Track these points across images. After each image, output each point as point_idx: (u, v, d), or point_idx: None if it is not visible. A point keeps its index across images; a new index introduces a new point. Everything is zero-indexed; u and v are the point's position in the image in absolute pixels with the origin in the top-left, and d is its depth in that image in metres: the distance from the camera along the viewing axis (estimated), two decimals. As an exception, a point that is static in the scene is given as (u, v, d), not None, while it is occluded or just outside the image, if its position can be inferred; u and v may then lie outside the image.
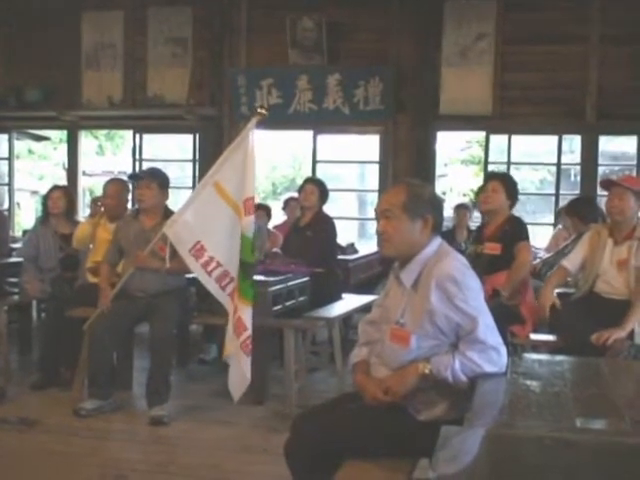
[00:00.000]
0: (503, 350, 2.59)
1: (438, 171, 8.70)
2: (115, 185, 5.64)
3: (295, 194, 6.50)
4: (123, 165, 12.69)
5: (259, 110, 4.62)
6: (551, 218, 8.41)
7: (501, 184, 4.82)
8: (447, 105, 7.88)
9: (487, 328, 2.59)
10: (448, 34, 7.88)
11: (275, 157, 14.50)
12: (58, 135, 11.84)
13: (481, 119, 7.90)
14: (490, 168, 8.18)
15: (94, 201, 5.63)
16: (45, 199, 6.10)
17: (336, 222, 6.19)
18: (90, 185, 12.15)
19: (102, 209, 5.65)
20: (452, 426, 2.01)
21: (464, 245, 6.37)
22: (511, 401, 2.12)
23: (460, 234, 7.25)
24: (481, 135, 9.45)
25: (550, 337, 4.47)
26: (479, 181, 9.26)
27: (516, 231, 4.72)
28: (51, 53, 8.73)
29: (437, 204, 2.80)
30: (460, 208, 7.51)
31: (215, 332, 5.86)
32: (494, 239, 4.73)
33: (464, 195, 12.81)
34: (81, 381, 4.99)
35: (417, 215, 2.70)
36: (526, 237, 4.75)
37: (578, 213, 5.69)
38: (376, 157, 8.39)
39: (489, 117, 7.84)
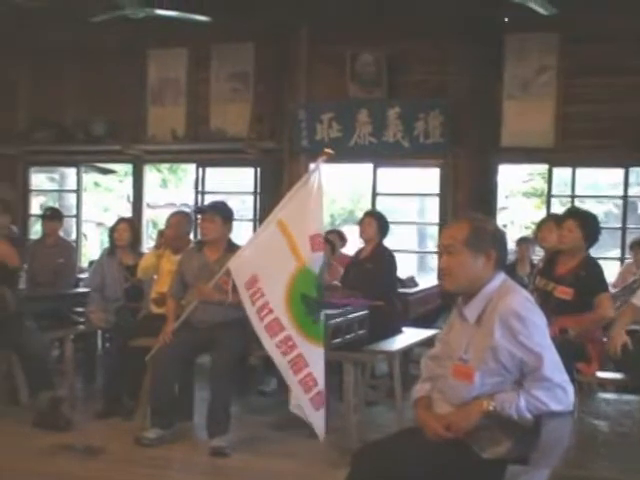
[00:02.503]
0: (570, 388, 2.55)
1: (499, 204, 8.62)
2: (177, 217, 5.74)
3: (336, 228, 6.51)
4: (185, 197, 12.91)
5: (326, 150, 4.68)
6: (617, 252, 8.23)
7: (578, 223, 4.62)
8: (508, 138, 7.83)
9: (553, 365, 2.55)
10: (509, 66, 7.86)
11: (334, 190, 14.58)
12: (123, 168, 12.11)
13: (543, 152, 7.82)
14: (553, 201, 8.09)
15: (160, 233, 5.75)
16: (111, 231, 6.26)
17: (396, 255, 6.18)
18: (154, 217, 12.39)
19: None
20: (518, 466, 1.98)
21: (526, 279, 6.28)
22: (578, 441, 2.09)
23: (522, 268, 7.15)
24: (542, 167, 9.35)
25: (617, 375, 4.36)
26: (541, 214, 9.15)
27: (593, 278, 4.54)
28: (118, 89, 8.97)
29: (501, 239, 2.77)
30: (522, 242, 7.42)
31: (275, 364, 5.86)
32: (566, 282, 4.55)
33: (525, 228, 12.64)
34: (144, 411, 5.04)
35: (480, 250, 2.68)
36: (607, 287, 4.58)
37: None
38: (436, 190, 8.36)
39: (551, 150, 7.76)
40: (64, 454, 4.59)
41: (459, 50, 7.81)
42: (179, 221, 5.67)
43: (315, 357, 4.31)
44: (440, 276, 2.78)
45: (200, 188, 9.10)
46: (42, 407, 5.07)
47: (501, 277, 2.72)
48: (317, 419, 4.30)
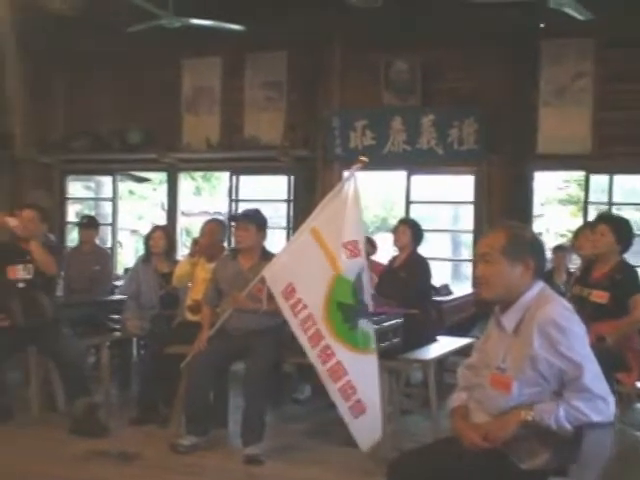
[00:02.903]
0: (611, 399, 2.51)
1: (534, 211, 8.54)
2: (211, 224, 5.77)
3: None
4: (219, 205, 12.96)
5: (360, 158, 4.67)
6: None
7: (610, 227, 4.63)
8: (545, 144, 7.75)
9: (593, 376, 2.51)
10: (545, 73, 7.78)
11: (366, 197, 14.54)
12: (157, 176, 12.22)
13: (580, 158, 7.73)
14: (590, 209, 7.99)
15: (194, 241, 5.78)
16: (147, 239, 6.31)
17: (430, 263, 6.15)
18: (188, 225, 12.46)
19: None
20: (558, 478, 1.95)
21: (563, 288, 6.21)
22: (620, 453, 2.05)
23: (559, 276, 7.06)
24: (579, 174, 9.25)
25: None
26: (577, 222, 9.03)
27: (628, 281, 4.52)
28: (153, 98, 9.05)
29: (538, 247, 2.75)
30: (559, 250, 7.33)
31: (309, 372, 5.87)
32: (601, 286, 4.55)
33: (561, 236, 12.49)
34: (178, 418, 5.08)
35: (517, 259, 2.66)
36: None
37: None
38: (470, 197, 8.31)
39: (588, 156, 7.67)
40: (99, 460, 4.63)
41: (494, 57, 7.76)
42: (213, 229, 5.70)
43: (355, 364, 4.28)
44: (477, 285, 2.76)
45: (234, 196, 9.14)
46: (78, 413, 5.12)
47: (539, 286, 2.69)
48: (357, 427, 4.28)
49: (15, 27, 7.27)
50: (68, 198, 10.02)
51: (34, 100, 9.14)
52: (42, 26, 7.84)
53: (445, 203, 10.64)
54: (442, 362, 5.98)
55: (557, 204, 14.10)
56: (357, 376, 4.27)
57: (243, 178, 9.18)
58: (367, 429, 4.30)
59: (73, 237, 9.80)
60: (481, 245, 2.76)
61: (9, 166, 9.61)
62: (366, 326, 4.37)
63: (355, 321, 4.33)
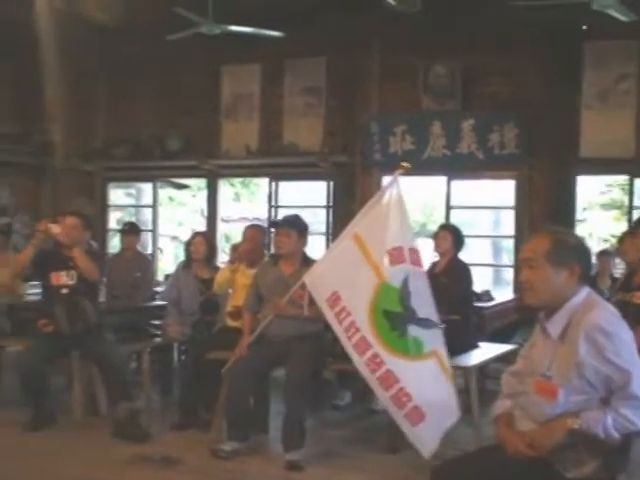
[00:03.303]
0: (660, 407, 2.45)
1: (577, 216, 8.42)
2: (252, 230, 5.78)
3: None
4: (258, 211, 13.00)
5: (403, 163, 4.66)
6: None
7: None
8: (587, 148, 7.64)
9: (642, 382, 2.46)
10: (588, 75, 7.68)
11: (406, 202, 14.46)
12: (196, 183, 12.29)
13: (624, 162, 7.60)
14: (635, 213, 7.85)
15: (233, 248, 5.80)
16: (187, 245, 6.34)
17: (471, 268, 6.10)
18: (227, 231, 12.52)
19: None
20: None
21: (607, 293, 6.11)
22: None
23: (603, 282, 6.95)
24: (622, 178, 9.10)
25: None
26: (621, 226, 8.90)
27: None
28: (193, 105, 9.13)
29: (584, 253, 2.70)
30: (602, 255, 7.21)
31: (349, 378, 5.85)
32: None
33: (604, 241, 12.30)
34: (220, 423, 5.09)
35: (562, 264, 2.61)
36: None
37: None
38: (511, 202, 8.22)
39: (632, 160, 7.54)
40: (142, 465, 4.65)
41: (535, 60, 7.68)
42: (255, 235, 5.70)
43: (408, 372, 4.23)
44: (521, 290, 2.71)
45: (273, 202, 9.17)
46: (121, 418, 5.16)
47: (586, 291, 2.64)
48: (417, 434, 4.22)
49: (57, 37, 7.38)
50: (109, 205, 10.13)
51: (76, 109, 9.28)
52: (83, 35, 7.97)
53: (486, 208, 10.53)
54: (484, 369, 5.92)
55: (600, 209, 13.89)
56: (412, 383, 4.21)
57: (282, 184, 9.20)
58: (428, 435, 4.24)
59: (114, 244, 9.91)
60: (525, 250, 2.72)
61: (51, 174, 9.78)
62: (417, 332, 4.30)
63: (404, 328, 4.28)
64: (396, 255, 4.33)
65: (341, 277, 4.44)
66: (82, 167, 9.56)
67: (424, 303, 4.38)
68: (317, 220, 9.59)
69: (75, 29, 7.17)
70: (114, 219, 10.68)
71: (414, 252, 4.42)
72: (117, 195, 10.77)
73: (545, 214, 7.65)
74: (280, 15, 7.37)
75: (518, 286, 6.19)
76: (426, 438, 4.23)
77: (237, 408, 4.85)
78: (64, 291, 5.46)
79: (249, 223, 6.82)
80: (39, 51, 7.74)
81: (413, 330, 4.28)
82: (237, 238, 5.90)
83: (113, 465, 4.64)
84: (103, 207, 9.98)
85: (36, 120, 9.43)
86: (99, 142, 9.66)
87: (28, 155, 9.32)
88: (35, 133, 9.46)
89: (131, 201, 11.67)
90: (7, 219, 6.86)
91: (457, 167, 8.13)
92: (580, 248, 2.70)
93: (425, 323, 4.34)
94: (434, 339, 4.37)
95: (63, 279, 5.48)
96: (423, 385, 4.24)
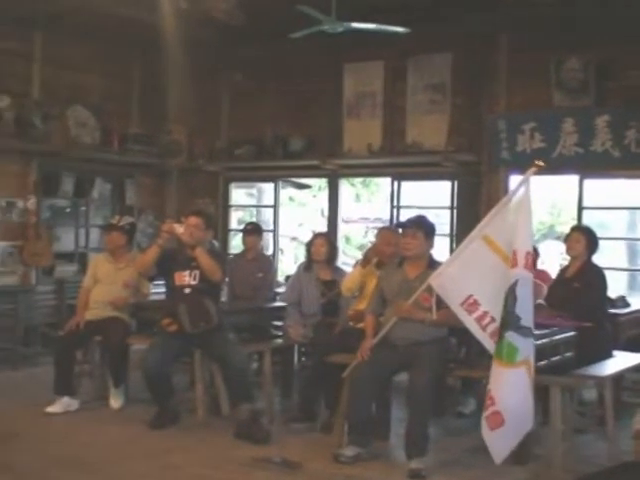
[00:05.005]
0: None
1: None
2: (387, 232, 5.70)
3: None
4: (378, 212, 12.89)
5: (536, 162, 4.49)
6: None
7: None
8: None
9: None
10: None
11: (533, 203, 14.00)
12: (317, 183, 12.30)
13: None
14: None
15: (367, 251, 5.70)
16: (308, 246, 6.30)
17: (605, 273, 5.79)
18: (347, 232, 12.47)
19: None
20: None
21: None
22: None
23: None
24: None
25: None
26: None
27: None
28: (315, 104, 9.09)
29: None
30: None
31: (474, 385, 5.67)
32: None
33: None
34: (341, 427, 5.02)
35: None
36: None
37: None
38: (649, 202, 7.76)
39: None
40: (263, 467, 4.63)
41: (677, 51, 7.20)
42: (392, 237, 5.57)
43: (497, 377, 4.18)
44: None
45: (395, 202, 9.01)
46: (242, 419, 5.18)
47: None
48: (493, 438, 4.19)
49: (181, 38, 7.51)
50: (231, 205, 10.25)
51: (200, 110, 9.46)
52: (207, 36, 8.10)
53: (620, 209, 9.99)
54: (619, 379, 5.63)
55: None
56: (498, 388, 4.17)
57: (404, 184, 9.03)
58: (502, 442, 4.21)
59: (235, 244, 10.02)
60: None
61: (176, 175, 9.99)
62: (514, 339, 4.17)
63: (501, 333, 4.19)
64: (513, 258, 4.20)
65: (476, 281, 4.33)
66: (206, 167, 9.70)
67: (527, 310, 4.24)
68: (439, 221, 9.37)
69: (199, 29, 7.28)
70: (235, 219, 10.81)
71: (529, 256, 4.26)
72: (238, 195, 10.88)
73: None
74: (403, 11, 7.21)
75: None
76: (500, 444, 4.21)
77: (359, 413, 4.78)
78: (187, 291, 5.52)
79: (381, 225, 6.68)
80: (164, 52, 7.92)
81: (511, 336, 4.17)
82: (358, 239, 5.80)
83: (234, 466, 4.66)
84: (225, 207, 10.09)
85: (161, 121, 9.67)
86: (222, 143, 9.77)
87: (154, 156, 9.54)
88: (160, 134, 9.68)
89: (252, 201, 11.79)
90: (131, 218, 6.99)
91: (590, 166, 7.72)
92: None
93: (525, 332, 4.22)
94: (528, 348, 4.25)
95: (186, 279, 5.55)
96: (508, 392, 4.18)
